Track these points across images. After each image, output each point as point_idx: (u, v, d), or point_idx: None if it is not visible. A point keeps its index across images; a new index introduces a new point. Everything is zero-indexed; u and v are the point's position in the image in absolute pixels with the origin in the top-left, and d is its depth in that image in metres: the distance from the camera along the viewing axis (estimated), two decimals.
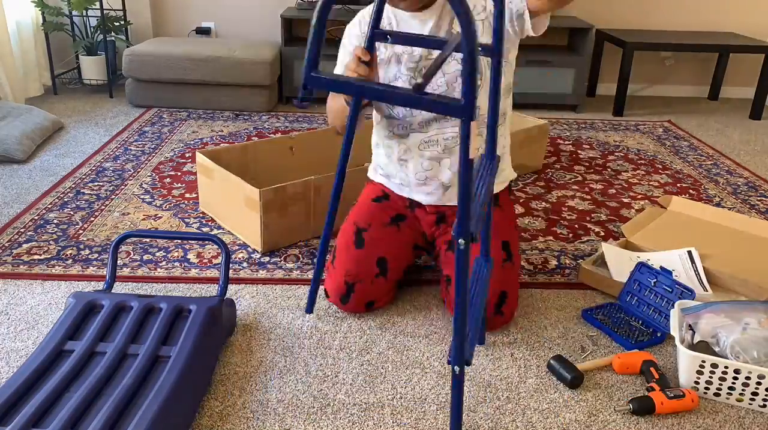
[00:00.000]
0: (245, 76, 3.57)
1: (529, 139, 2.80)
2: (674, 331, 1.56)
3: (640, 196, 2.71)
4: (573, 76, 3.91)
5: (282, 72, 3.82)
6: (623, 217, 2.50)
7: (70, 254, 2.06)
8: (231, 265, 2.01)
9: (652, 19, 4.34)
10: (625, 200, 2.66)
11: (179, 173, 2.75)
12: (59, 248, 2.08)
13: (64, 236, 2.17)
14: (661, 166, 3.08)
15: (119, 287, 1.87)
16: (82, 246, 2.11)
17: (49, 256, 2.04)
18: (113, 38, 4.00)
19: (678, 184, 2.86)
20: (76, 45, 3.92)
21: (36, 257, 2.03)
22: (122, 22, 3.98)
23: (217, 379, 1.51)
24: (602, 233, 2.36)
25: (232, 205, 2.14)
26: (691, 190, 2.80)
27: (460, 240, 1.10)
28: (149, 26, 4.16)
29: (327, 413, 1.42)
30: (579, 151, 3.25)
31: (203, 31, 4.18)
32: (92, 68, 3.95)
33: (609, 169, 3.02)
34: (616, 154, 3.24)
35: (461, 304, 1.14)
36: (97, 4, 3.74)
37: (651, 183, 2.86)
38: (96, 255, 2.05)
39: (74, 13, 3.90)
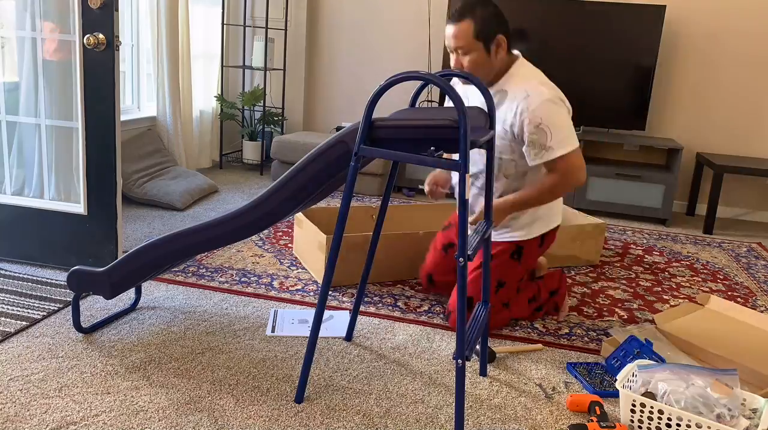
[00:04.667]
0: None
1: (582, 235, 3.16)
2: (620, 376, 1.86)
3: (682, 297, 2.93)
4: (662, 192, 4.18)
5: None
6: (655, 309, 2.75)
7: (192, 270, 2.77)
8: (305, 293, 2.59)
9: (753, 147, 4.52)
10: (665, 297, 2.90)
11: (290, 230, 3.45)
12: (186, 265, 2.81)
13: (192, 259, 2.90)
14: (722, 277, 3.25)
15: (216, 295, 2.53)
16: (201, 267, 2.82)
17: (177, 269, 2.76)
18: (271, 129, 4.97)
19: (729, 292, 3.03)
20: (242, 131, 4.94)
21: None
22: (280, 117, 4.96)
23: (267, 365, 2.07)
24: (626, 317, 2.64)
25: (311, 249, 2.75)
26: (739, 298, 2.95)
27: (460, 259, 1.60)
28: (301, 122, 5.12)
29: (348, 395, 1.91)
30: (646, 256, 3.51)
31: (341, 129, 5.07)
32: (251, 151, 4.93)
33: (666, 273, 3.25)
34: (683, 262, 3.45)
35: (461, 309, 1.61)
36: (262, 101, 4.76)
37: (702, 289, 3.06)
38: (209, 274, 2.74)
39: (245, 107, 4.95)
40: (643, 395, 1.85)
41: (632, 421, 1.80)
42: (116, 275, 2.06)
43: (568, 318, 2.58)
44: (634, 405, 1.78)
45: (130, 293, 2.45)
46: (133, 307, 2.36)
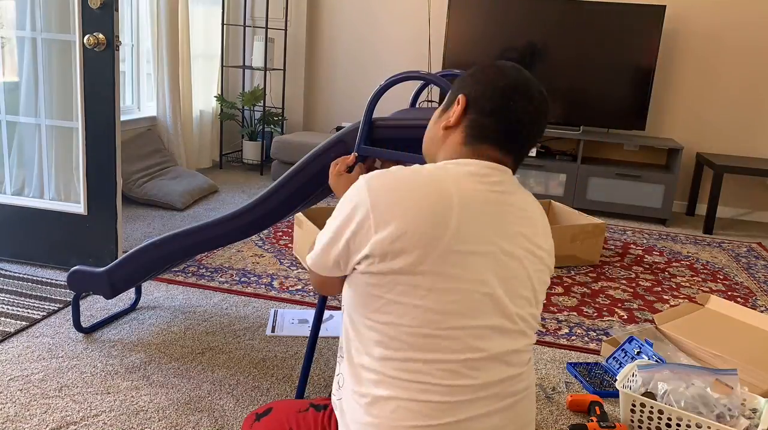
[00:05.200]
0: None
1: (582, 235, 3.16)
2: (620, 376, 1.86)
3: (682, 297, 2.93)
4: (662, 192, 4.18)
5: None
6: (655, 309, 2.75)
7: (192, 270, 2.77)
8: (305, 293, 2.59)
9: (753, 147, 4.52)
10: (665, 297, 2.90)
11: (290, 230, 3.45)
12: (186, 265, 2.81)
13: (192, 259, 2.90)
14: (722, 277, 3.25)
15: (216, 295, 2.52)
16: (201, 267, 2.82)
17: (177, 269, 2.76)
18: (271, 129, 4.98)
19: (729, 292, 3.03)
20: (242, 131, 4.94)
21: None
22: (280, 117, 4.96)
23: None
24: (626, 317, 2.64)
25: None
26: (739, 298, 2.95)
27: None
28: (301, 122, 5.12)
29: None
30: (646, 256, 3.51)
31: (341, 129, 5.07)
32: (251, 151, 4.93)
33: (666, 273, 3.25)
34: (682, 262, 3.45)
35: None
36: (262, 101, 4.76)
37: (702, 289, 3.06)
38: (209, 274, 2.74)
39: (245, 107, 4.95)
40: (643, 395, 1.85)
41: (632, 421, 1.80)
42: (116, 274, 2.06)
43: (568, 318, 2.58)
44: (634, 405, 1.78)
45: (130, 293, 2.45)
46: (133, 307, 2.36)
